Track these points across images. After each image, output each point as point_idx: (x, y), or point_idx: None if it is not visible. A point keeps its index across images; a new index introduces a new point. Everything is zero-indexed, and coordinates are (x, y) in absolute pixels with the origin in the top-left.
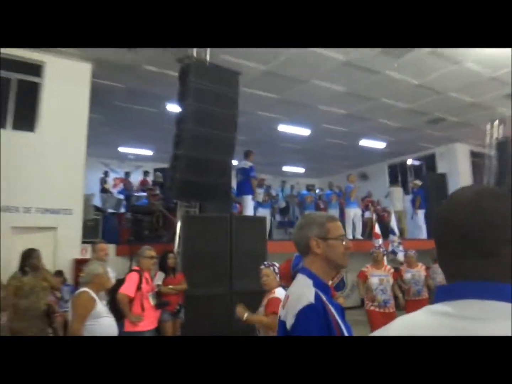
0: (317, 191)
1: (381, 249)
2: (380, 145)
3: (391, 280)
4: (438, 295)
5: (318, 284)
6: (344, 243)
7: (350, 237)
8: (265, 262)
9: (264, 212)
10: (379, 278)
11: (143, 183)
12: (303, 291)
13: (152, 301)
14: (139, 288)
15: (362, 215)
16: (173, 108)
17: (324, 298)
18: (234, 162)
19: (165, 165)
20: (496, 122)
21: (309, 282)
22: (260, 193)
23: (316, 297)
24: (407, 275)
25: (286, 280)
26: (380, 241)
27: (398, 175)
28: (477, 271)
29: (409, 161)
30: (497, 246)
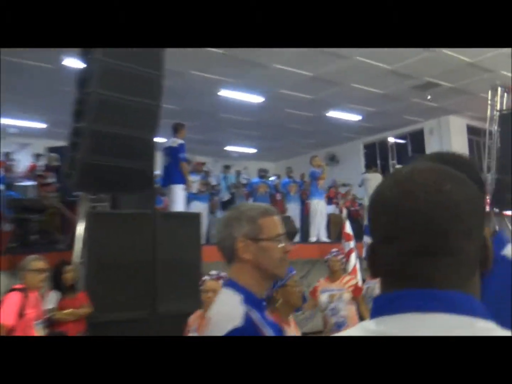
0: (272, 178)
1: (339, 256)
2: (354, 117)
3: (347, 297)
4: (376, 307)
5: (249, 300)
6: (281, 245)
7: (314, 239)
8: (212, 272)
9: (200, 207)
10: (330, 294)
11: (32, 168)
12: (227, 312)
13: (40, 332)
14: (21, 314)
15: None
16: (74, 63)
17: (256, 318)
18: (159, 140)
19: (63, 143)
20: (499, 89)
21: (237, 298)
22: (195, 181)
23: (246, 319)
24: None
25: None
26: (352, 243)
27: (376, 157)
28: (434, 273)
29: (391, 139)
30: (461, 241)
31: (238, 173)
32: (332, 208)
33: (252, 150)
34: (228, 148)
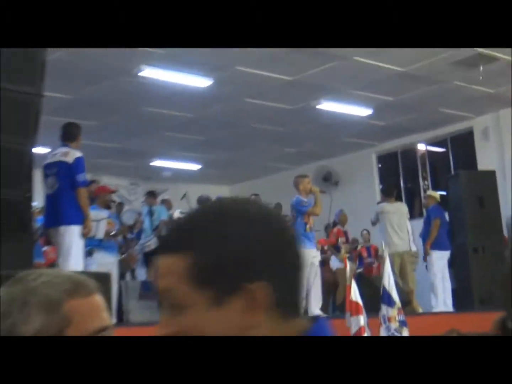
0: None
1: None
2: (360, 111)
3: None
4: None
5: None
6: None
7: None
8: None
9: (109, 262)
10: None
11: None
12: None
13: None
14: None
15: (324, 264)
16: None
17: None
18: (40, 150)
19: None
20: None
21: None
22: (101, 219)
23: None
24: None
25: None
26: (362, 320)
27: (399, 175)
28: None
29: (421, 147)
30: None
31: (170, 205)
32: (334, 261)
33: (195, 166)
34: (156, 163)
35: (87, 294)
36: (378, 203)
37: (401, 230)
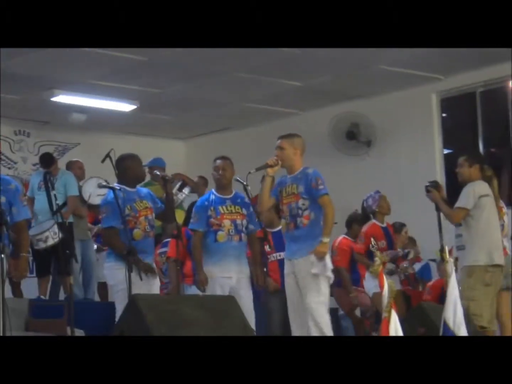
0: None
1: None
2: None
3: None
4: None
5: None
6: None
7: None
8: None
9: None
10: None
11: None
12: None
13: None
14: None
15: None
16: None
17: None
18: None
19: None
20: None
21: None
22: None
23: None
24: None
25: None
26: None
27: (476, 131)
28: None
29: None
30: None
31: (81, 172)
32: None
33: (127, 106)
34: (58, 98)
35: None
36: (465, 183)
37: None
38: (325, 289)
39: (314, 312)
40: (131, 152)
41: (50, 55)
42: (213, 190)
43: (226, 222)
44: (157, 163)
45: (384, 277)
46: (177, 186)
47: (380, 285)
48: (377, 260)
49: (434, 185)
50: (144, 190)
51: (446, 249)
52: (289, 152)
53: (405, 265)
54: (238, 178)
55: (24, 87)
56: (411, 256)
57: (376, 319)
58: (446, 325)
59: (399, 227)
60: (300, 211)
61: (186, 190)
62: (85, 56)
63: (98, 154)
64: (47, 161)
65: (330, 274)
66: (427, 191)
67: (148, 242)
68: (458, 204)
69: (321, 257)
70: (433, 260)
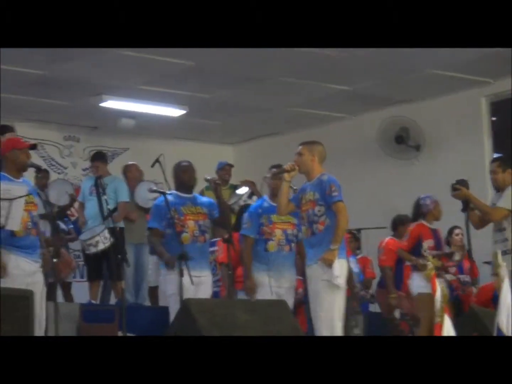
0: (242, 191)
1: None
2: None
3: None
4: None
5: None
6: None
7: None
8: None
9: (28, 271)
10: None
11: None
12: None
13: None
14: None
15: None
16: None
17: None
18: None
19: None
20: None
21: None
22: (15, 197)
23: None
24: None
25: None
26: None
27: None
28: None
29: None
30: None
31: (134, 176)
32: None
33: (176, 111)
34: (107, 103)
35: None
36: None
37: None
38: (333, 296)
39: (321, 320)
40: (180, 157)
41: (100, 60)
42: (265, 197)
43: (278, 232)
44: (223, 165)
45: (437, 281)
46: (248, 193)
47: (433, 289)
48: (430, 265)
49: (463, 183)
50: (204, 198)
51: (499, 253)
52: (307, 158)
53: (450, 266)
54: (291, 186)
55: (73, 93)
56: (456, 258)
57: (414, 322)
58: (499, 330)
59: (451, 229)
60: (316, 218)
61: (255, 198)
62: (133, 61)
63: (147, 159)
64: (102, 156)
65: (338, 281)
66: (454, 189)
67: (196, 247)
68: (500, 204)
69: (328, 264)
70: (488, 263)
